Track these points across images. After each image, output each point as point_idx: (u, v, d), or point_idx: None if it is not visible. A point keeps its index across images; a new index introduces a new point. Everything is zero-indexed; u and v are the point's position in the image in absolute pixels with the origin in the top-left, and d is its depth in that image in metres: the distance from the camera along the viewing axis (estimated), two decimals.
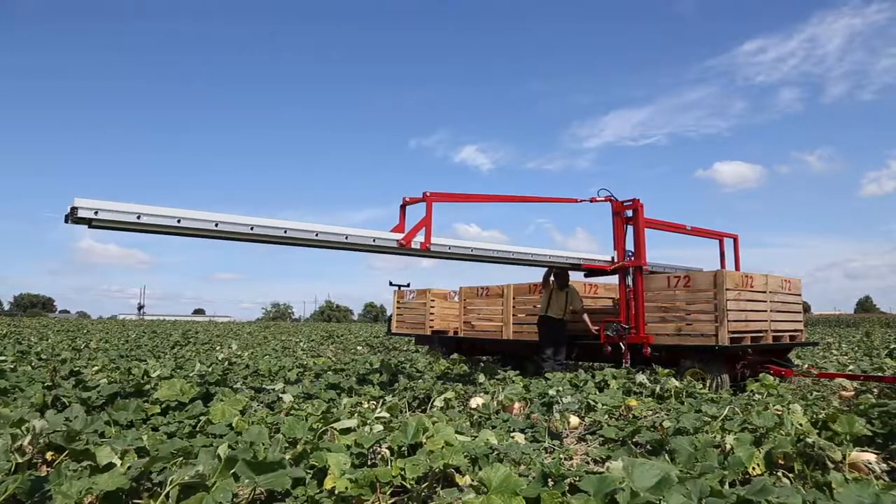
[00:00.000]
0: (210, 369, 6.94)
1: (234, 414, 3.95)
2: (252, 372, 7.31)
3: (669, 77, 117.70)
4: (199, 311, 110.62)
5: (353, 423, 3.65)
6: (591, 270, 7.99)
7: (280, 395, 4.98)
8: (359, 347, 16.05)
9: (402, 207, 6.16)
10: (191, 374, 6.24)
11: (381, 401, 5.04)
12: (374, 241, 5.89)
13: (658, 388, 5.56)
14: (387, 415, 4.18)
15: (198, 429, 3.78)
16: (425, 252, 6.31)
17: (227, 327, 34.78)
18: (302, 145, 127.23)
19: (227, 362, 8.37)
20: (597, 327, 7.93)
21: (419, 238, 6.16)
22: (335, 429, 3.52)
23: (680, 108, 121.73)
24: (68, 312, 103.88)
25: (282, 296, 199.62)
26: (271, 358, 8.99)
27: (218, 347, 12.98)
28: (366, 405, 5.01)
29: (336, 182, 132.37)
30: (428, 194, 6.15)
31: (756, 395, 5.35)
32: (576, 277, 8.53)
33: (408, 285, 12.71)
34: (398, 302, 12.79)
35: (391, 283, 12.97)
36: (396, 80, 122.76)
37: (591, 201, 8.22)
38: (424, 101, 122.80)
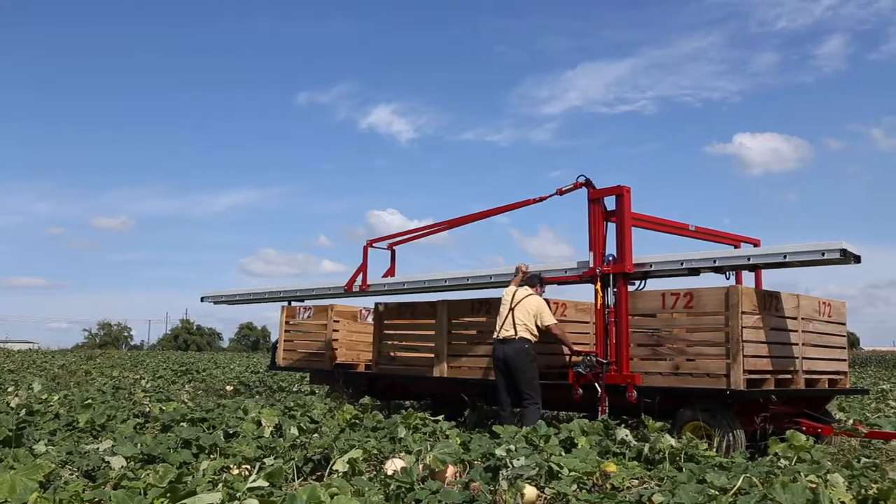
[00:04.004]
0: None
1: (32, 488, 3.82)
2: (65, 425, 7.07)
3: (654, 20, 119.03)
4: None
5: (215, 497, 3.60)
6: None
7: (106, 459, 4.84)
8: (228, 387, 15.74)
9: (365, 249, 10.70)
10: None
11: (258, 464, 4.96)
12: (330, 289, 11.33)
13: (646, 449, 5.71)
14: (265, 484, 4.13)
15: None
16: (367, 292, 10.70)
17: (27, 358, 33.39)
18: (139, 97, 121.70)
19: (24, 411, 8.04)
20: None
21: (359, 281, 10.64)
22: None
23: (670, 64, 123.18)
24: None
25: (115, 312, 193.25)
26: (96, 404, 8.69)
27: (11, 388, 12.43)
28: (235, 470, 4.93)
29: (192, 150, 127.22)
30: (367, 242, 10.81)
31: (782, 461, 5.56)
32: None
33: (301, 300, 12.58)
34: (287, 323, 12.61)
35: None
36: (279, 9, 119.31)
37: (559, 194, 8.51)
38: (320, 40, 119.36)
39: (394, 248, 11.12)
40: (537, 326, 8.10)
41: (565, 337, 8.22)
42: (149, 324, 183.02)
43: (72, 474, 4.76)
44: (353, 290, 10.76)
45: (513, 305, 8.14)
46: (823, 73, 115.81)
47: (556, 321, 8.21)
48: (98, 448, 5.43)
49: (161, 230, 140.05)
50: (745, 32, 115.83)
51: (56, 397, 9.82)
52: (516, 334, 8.00)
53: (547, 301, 8.40)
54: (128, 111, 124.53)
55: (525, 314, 8.07)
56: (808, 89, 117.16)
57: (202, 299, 13.55)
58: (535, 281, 8.39)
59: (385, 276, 10.93)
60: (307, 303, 12.52)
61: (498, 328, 8.16)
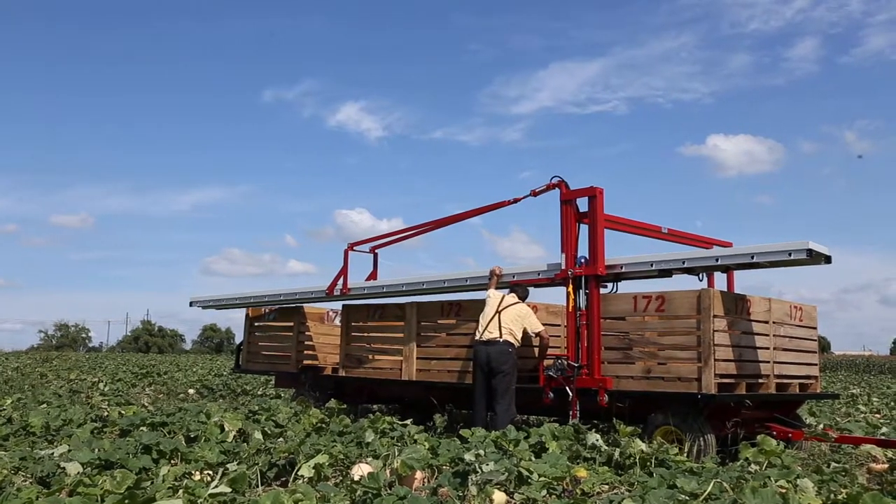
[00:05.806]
0: None
1: None
2: (18, 429, 6.99)
3: (627, 20, 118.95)
4: None
5: (176, 503, 3.54)
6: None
7: (61, 464, 4.78)
8: (191, 390, 15.67)
9: (346, 252, 10.75)
10: None
11: (221, 469, 4.93)
12: (312, 293, 11.25)
13: (617, 454, 5.74)
14: (228, 490, 4.10)
15: None
16: (348, 296, 10.69)
17: None
18: (100, 93, 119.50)
19: None
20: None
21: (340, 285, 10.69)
22: None
23: (642, 64, 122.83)
24: None
25: (72, 312, 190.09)
26: (51, 407, 8.57)
27: None
28: (197, 476, 4.88)
29: (155, 148, 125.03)
30: (348, 245, 10.85)
31: (752, 466, 5.62)
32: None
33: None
34: (252, 324, 12.55)
35: None
36: (244, 4, 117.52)
37: (533, 195, 8.58)
38: (286, 36, 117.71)
39: (376, 251, 11.14)
40: (523, 333, 8.17)
41: (548, 342, 8.27)
42: (108, 325, 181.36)
43: (25, 481, 4.69)
44: (335, 293, 10.75)
45: (500, 309, 8.19)
46: (795, 76, 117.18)
47: (544, 328, 8.28)
48: (53, 453, 5.35)
49: (122, 228, 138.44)
50: (717, 34, 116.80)
51: (9, 401, 9.68)
52: (501, 337, 8.03)
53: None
54: (89, 108, 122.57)
55: (513, 320, 8.12)
56: (780, 91, 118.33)
57: (191, 304, 13.71)
58: (521, 293, 8.48)
59: (368, 279, 10.92)
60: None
61: (481, 330, 8.18)
